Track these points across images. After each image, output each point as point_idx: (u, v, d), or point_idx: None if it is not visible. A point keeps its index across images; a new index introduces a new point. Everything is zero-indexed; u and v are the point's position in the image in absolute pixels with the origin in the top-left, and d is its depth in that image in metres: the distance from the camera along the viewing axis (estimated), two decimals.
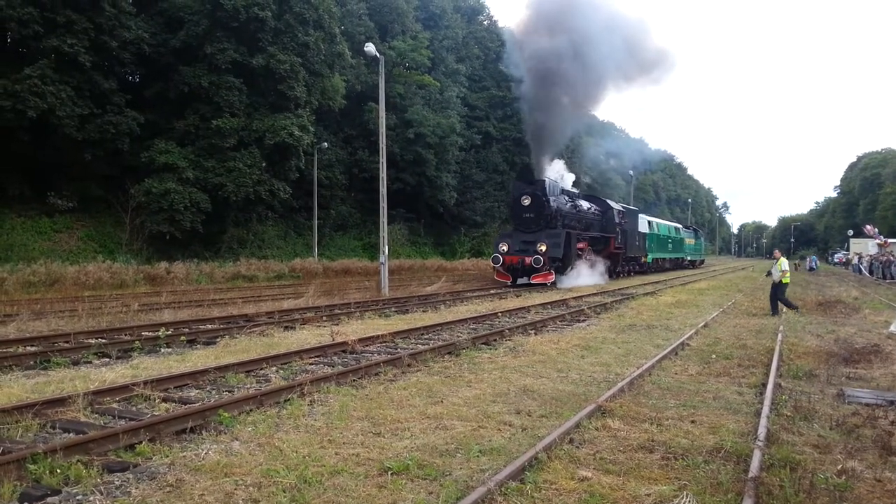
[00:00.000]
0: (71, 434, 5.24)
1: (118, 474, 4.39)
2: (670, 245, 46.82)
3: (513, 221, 26.28)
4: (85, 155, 26.78)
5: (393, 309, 14.76)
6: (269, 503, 4.00)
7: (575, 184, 41.19)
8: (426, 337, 10.91)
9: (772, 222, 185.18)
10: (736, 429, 5.79)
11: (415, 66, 43.47)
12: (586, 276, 27.06)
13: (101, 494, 4.05)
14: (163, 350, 9.06)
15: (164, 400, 6.41)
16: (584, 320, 13.88)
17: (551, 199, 25.24)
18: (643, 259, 38.14)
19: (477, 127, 49.72)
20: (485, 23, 55.91)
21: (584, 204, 30.04)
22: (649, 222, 40.95)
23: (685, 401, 6.78)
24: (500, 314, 14.14)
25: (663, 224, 47.28)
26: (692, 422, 5.98)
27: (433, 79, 44.29)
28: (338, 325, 11.72)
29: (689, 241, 55.04)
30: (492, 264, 25.25)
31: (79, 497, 4.02)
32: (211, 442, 5.15)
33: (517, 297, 20.46)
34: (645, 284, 27.55)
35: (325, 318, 12.68)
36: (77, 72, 25.24)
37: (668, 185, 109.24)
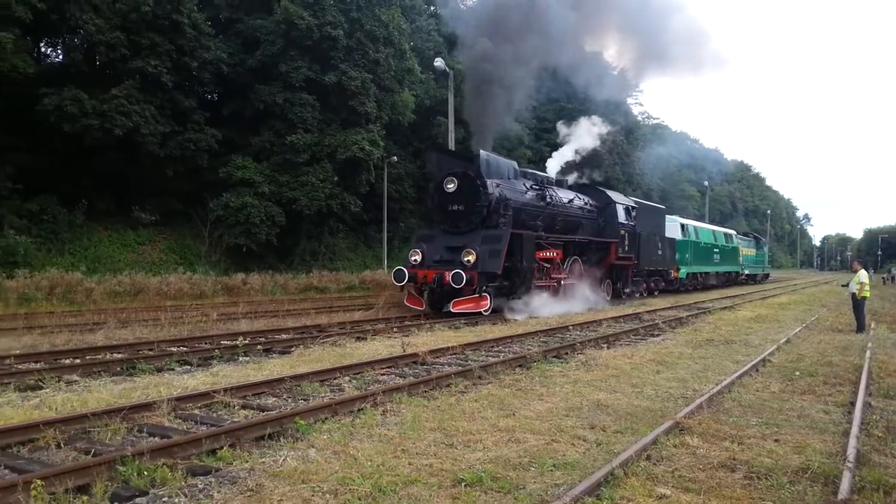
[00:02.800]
0: (156, 438, 5.45)
1: (201, 478, 4.53)
2: (717, 255, 37.11)
3: (435, 216, 17.17)
4: (167, 171, 27.95)
5: (462, 321, 14.77)
6: None
7: (645, 196, 39.51)
8: (496, 349, 10.86)
9: (857, 234, 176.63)
10: (823, 449, 5.53)
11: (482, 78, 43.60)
12: (561, 298, 18.84)
13: (186, 497, 4.18)
14: (241, 359, 9.33)
15: (243, 407, 6.59)
16: (658, 335, 13.55)
17: (490, 183, 16.60)
18: (673, 273, 29.25)
19: (545, 139, 49.46)
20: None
21: (565, 195, 20.72)
22: (684, 226, 32.39)
23: (768, 419, 6.52)
24: (570, 327, 13.96)
25: (706, 228, 37.31)
26: (776, 440, 5.75)
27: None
28: (408, 336, 11.81)
29: (748, 251, 46.24)
30: (394, 282, 16.42)
31: (164, 499, 4.17)
32: (288, 448, 5.26)
33: (592, 313, 20.07)
34: (722, 298, 26.61)
35: (395, 330, 12.80)
36: (160, 91, 26.43)
37: (746, 196, 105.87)
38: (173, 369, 8.61)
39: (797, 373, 9.06)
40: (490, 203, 16.32)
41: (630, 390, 7.77)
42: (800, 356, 10.61)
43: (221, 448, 5.08)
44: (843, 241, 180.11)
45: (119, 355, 9.42)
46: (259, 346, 10.40)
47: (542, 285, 18.09)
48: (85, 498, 4.13)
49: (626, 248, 23.06)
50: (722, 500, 4.39)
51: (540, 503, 4.20)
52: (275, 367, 8.84)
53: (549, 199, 19.01)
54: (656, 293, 27.77)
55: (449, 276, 15.09)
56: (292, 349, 10.35)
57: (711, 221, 54.15)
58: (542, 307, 17.31)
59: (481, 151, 17.03)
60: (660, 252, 26.93)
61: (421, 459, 5.05)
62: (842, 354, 10.85)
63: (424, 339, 11.55)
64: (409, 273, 16.03)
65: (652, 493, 4.45)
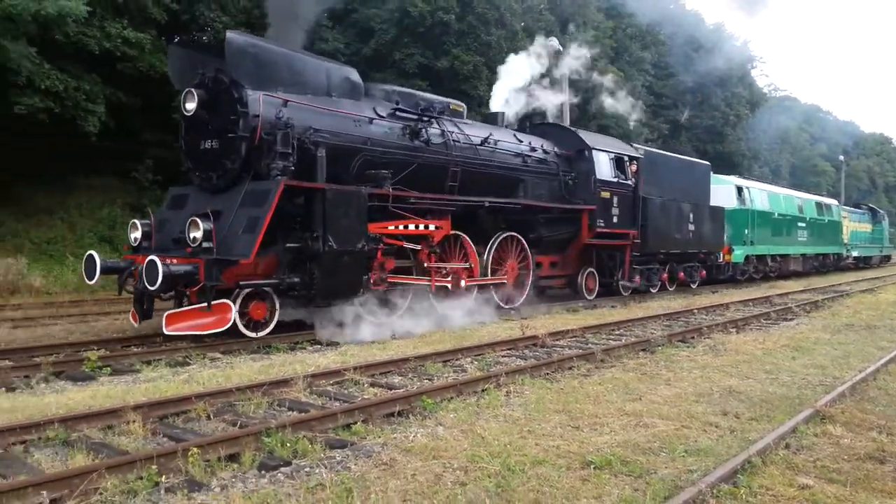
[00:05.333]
0: (295, 412, 5.77)
1: (338, 451, 4.77)
2: (803, 231, 26.82)
3: (185, 160, 10.09)
4: None
5: (580, 304, 14.59)
6: (476, 487, 4.14)
7: (773, 174, 36.14)
8: (617, 333, 10.67)
9: None
10: None
11: (597, 57, 42.59)
12: (457, 304, 11.45)
13: (326, 468, 4.41)
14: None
15: (372, 385, 6.86)
16: (791, 319, 12.84)
17: (257, 97, 9.13)
18: (723, 257, 20.76)
19: (664, 116, 47.69)
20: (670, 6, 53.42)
21: (477, 132, 12.67)
22: (742, 189, 22.78)
23: None
24: (695, 311, 13.47)
25: (785, 195, 26.99)
26: None
27: (616, 69, 43.13)
28: (526, 318, 11.81)
29: (858, 226, 35.23)
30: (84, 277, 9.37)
31: (307, 469, 4.42)
32: (417, 426, 5.43)
33: (709, 294, 19.17)
34: (859, 281, 24.67)
35: (512, 312, 12.83)
36: None
37: (886, 171, 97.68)
38: (305, 348, 9.06)
39: None
40: (256, 132, 8.98)
41: (763, 376, 7.44)
42: None
43: (355, 423, 5.31)
44: None
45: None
46: None
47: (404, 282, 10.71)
48: (235, 466, 4.45)
49: (616, 220, 15.08)
50: (871, 493, 4.14)
51: (673, 488, 4.12)
52: (399, 347, 9.11)
53: (424, 137, 11.19)
54: (694, 284, 19.47)
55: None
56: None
57: (847, 200, 50.02)
58: (392, 325, 10.29)
59: (239, 37, 9.42)
60: (691, 226, 17.98)
61: (547, 441, 5.07)
62: None
63: (543, 322, 11.52)
64: (122, 262, 9.36)
65: (793, 482, 4.26)
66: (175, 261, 8.30)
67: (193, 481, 4.13)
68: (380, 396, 6.19)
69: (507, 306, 12.70)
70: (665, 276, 17.78)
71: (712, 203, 19.72)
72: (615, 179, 15.29)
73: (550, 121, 17.19)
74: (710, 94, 48.46)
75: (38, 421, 5.06)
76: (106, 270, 9.13)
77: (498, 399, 6.24)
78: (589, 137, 15.44)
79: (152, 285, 8.07)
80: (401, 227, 10.55)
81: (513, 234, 12.99)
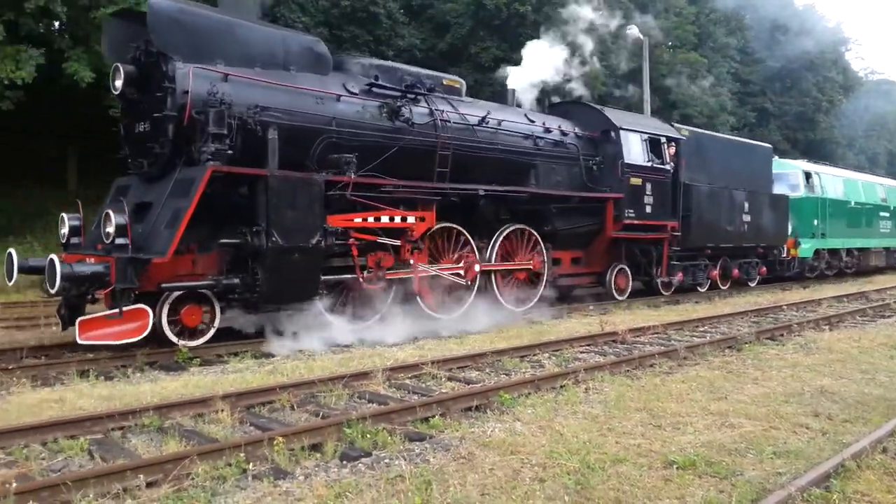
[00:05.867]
0: (375, 405, 5.88)
1: (417, 443, 4.82)
2: (886, 222, 24.14)
3: (123, 146, 8.88)
4: None
5: (662, 300, 14.22)
6: (555, 484, 4.11)
7: (870, 161, 33.67)
8: (701, 329, 10.35)
9: None
10: None
11: (679, 43, 41.32)
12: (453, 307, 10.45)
13: (405, 460, 4.47)
14: (443, 333, 9.74)
15: (449, 379, 6.91)
16: (890, 316, 12.14)
17: (187, 70, 7.95)
18: (787, 251, 18.50)
19: (751, 103, 45.82)
20: None
21: (475, 112, 11.06)
22: (810, 175, 20.30)
23: None
24: (785, 307, 12.93)
25: (861, 180, 24.16)
26: None
27: (700, 55, 41.72)
28: (605, 314, 11.62)
29: None
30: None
31: (386, 460, 4.49)
32: (495, 421, 5.43)
33: (800, 289, 18.37)
34: None
35: (591, 308, 12.65)
36: None
37: None
38: (383, 342, 9.19)
39: None
40: (184, 111, 7.90)
41: (859, 376, 7.07)
42: None
43: (433, 417, 5.36)
44: None
45: None
46: None
47: (378, 285, 9.36)
48: (318, 455, 4.57)
49: (649, 210, 13.28)
50: None
51: (761, 491, 3.97)
52: (475, 341, 9.13)
53: (406, 116, 9.84)
54: (752, 282, 17.63)
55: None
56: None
57: None
58: (361, 332, 9.15)
59: (164, 2, 8.08)
60: (746, 216, 16.11)
61: (628, 439, 4.98)
62: None
63: (623, 318, 11.31)
64: (15, 268, 7.99)
65: (891, 489, 4.05)
66: (93, 259, 7.40)
67: (279, 469, 4.27)
68: (457, 391, 6.23)
69: (517, 309, 11.28)
70: (715, 272, 15.91)
71: (775, 191, 18.12)
72: (648, 164, 13.30)
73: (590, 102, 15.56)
74: (800, 79, 46.19)
75: (134, 408, 5.34)
76: (26, 270, 7.95)
77: (576, 395, 6.17)
78: (617, 116, 13.60)
79: (52, 287, 7.09)
80: (370, 220, 9.21)
81: (523, 226, 11.59)
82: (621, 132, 13.04)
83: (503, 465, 4.39)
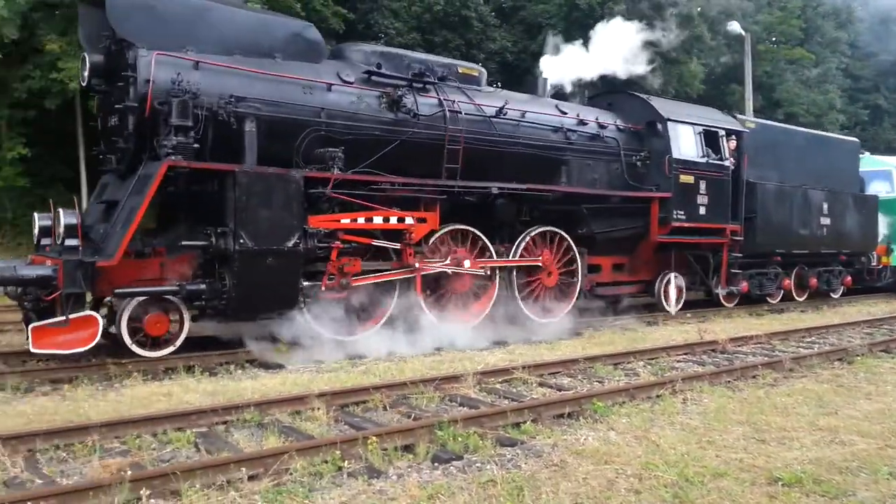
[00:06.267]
0: (465, 408, 5.89)
1: (508, 448, 4.80)
2: None
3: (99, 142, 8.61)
4: None
5: (765, 308, 13.57)
6: (652, 496, 3.99)
7: None
8: (808, 340, 9.82)
9: None
10: None
11: (784, 39, 39.41)
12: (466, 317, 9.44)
13: (496, 465, 4.46)
14: (533, 338, 9.65)
15: (541, 384, 6.84)
16: None
17: (149, 58, 7.33)
18: (877, 259, 16.27)
19: (863, 101, 43.15)
20: None
21: (490, 102, 9.92)
22: None
23: None
24: None
25: None
26: None
27: (806, 51, 39.66)
28: (704, 322, 11.21)
29: None
30: None
31: (478, 464, 4.49)
32: (587, 429, 5.33)
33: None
34: None
35: (688, 315, 12.22)
36: None
37: None
38: (477, 345, 9.15)
39: None
40: (146, 101, 7.35)
41: None
42: None
43: (524, 422, 5.31)
44: None
45: None
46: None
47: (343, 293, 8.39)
48: (410, 456, 4.62)
49: (703, 211, 11.81)
50: None
51: None
52: (567, 347, 9.01)
53: (409, 107, 8.99)
54: (835, 293, 15.64)
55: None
56: (583, 331, 10.43)
57: None
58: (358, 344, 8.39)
59: None
60: (825, 219, 14.33)
61: (729, 453, 4.78)
62: None
63: (723, 326, 10.87)
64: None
65: None
66: (49, 262, 6.91)
67: (373, 468, 4.35)
68: (549, 397, 6.16)
69: (541, 320, 10.14)
70: (788, 282, 14.09)
71: (865, 191, 16.05)
72: (702, 159, 11.83)
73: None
74: None
75: (236, 403, 5.56)
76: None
77: (674, 406, 5.98)
78: (664, 106, 12.14)
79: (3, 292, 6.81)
80: (360, 221, 8.46)
81: (552, 229, 10.44)
82: (669, 124, 11.55)
83: (597, 475, 4.30)
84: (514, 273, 9.95)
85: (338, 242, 8.16)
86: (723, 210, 12.17)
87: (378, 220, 8.58)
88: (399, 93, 8.91)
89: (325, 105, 8.38)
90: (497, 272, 9.77)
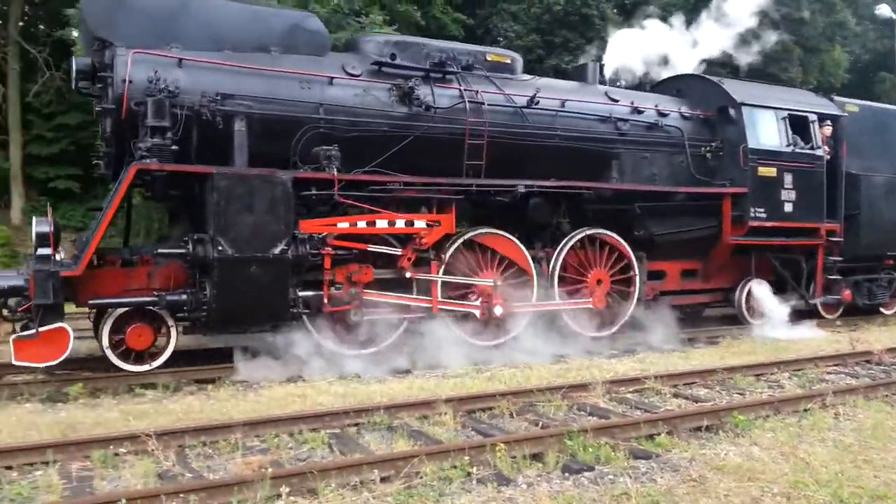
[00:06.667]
0: (595, 418, 5.72)
1: (643, 461, 4.60)
2: None
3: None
4: None
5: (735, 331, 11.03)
6: None
7: None
8: None
9: None
10: None
11: None
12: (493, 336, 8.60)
13: (630, 478, 4.29)
14: (664, 347, 9.26)
15: (675, 395, 6.54)
16: None
17: (126, 57, 6.97)
18: None
19: None
20: None
21: (530, 91, 9.03)
22: None
23: None
24: None
25: None
26: None
27: None
28: (856, 331, 10.33)
29: None
30: None
31: (610, 476, 4.33)
32: (728, 443, 5.03)
33: None
34: None
35: (838, 323, 11.31)
36: None
37: None
38: (601, 353, 8.93)
39: None
40: (123, 104, 6.95)
41: None
42: None
43: (659, 434, 5.10)
44: None
45: None
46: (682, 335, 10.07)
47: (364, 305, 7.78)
48: (539, 465, 4.53)
49: (790, 208, 10.31)
50: None
51: None
52: (702, 356, 8.58)
53: (423, 99, 8.22)
54: None
55: None
56: (719, 339, 9.89)
57: None
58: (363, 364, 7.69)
59: None
60: None
61: (889, 473, 4.38)
62: None
63: (877, 336, 9.97)
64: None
65: None
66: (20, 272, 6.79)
67: (502, 476, 4.30)
68: (685, 408, 5.90)
69: (591, 333, 9.10)
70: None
71: None
72: (787, 149, 10.30)
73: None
74: None
75: (366, 406, 5.70)
76: None
77: (824, 421, 5.53)
78: (739, 89, 10.68)
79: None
80: (362, 225, 7.76)
81: (601, 231, 9.37)
82: (744, 109, 10.15)
83: (740, 492, 4.04)
84: (556, 278, 9.01)
85: (328, 248, 7.45)
86: (815, 206, 10.57)
87: (382, 223, 7.86)
88: (410, 84, 8.14)
89: (325, 100, 7.81)
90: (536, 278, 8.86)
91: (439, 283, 8.28)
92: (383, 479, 4.16)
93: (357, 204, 7.71)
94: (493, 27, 26.59)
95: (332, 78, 7.92)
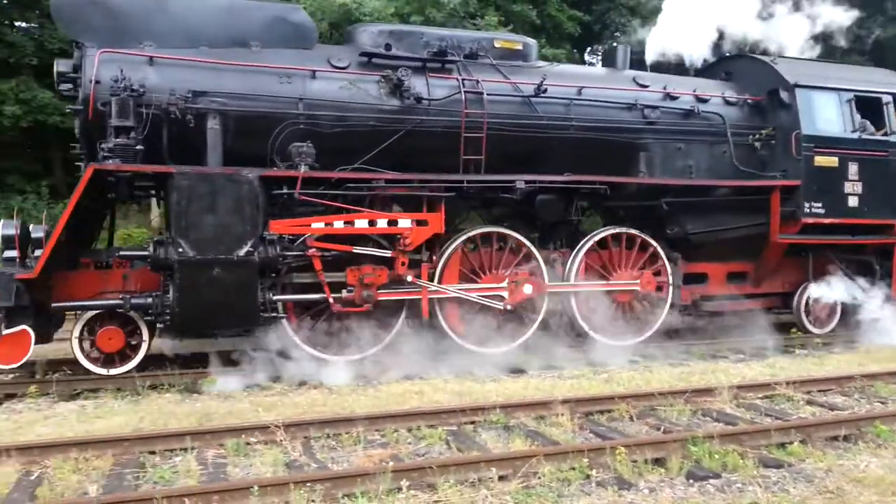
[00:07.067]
0: (721, 424, 5.48)
1: (773, 470, 4.39)
2: None
3: None
4: None
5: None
6: None
7: None
8: None
9: None
10: None
11: None
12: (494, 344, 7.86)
13: (760, 487, 4.09)
14: (797, 351, 8.72)
15: (808, 402, 6.17)
16: None
17: (93, 57, 6.78)
18: None
19: None
20: None
21: (527, 78, 8.28)
22: None
23: None
24: None
25: None
26: None
27: None
28: None
29: None
30: None
31: (738, 485, 4.16)
32: (868, 454, 4.72)
33: None
34: None
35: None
36: None
37: None
38: (726, 357, 8.53)
39: None
40: (90, 104, 6.78)
41: None
42: None
43: (791, 443, 4.83)
44: None
45: None
46: (817, 340, 9.37)
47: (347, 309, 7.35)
48: (661, 471, 4.41)
49: (854, 202, 9.15)
50: None
51: None
52: (838, 362, 8.04)
53: (414, 92, 7.67)
54: None
55: None
56: (856, 345, 9.22)
57: None
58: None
59: None
60: None
61: None
62: None
63: None
64: None
65: None
66: None
67: (622, 479, 4.21)
68: (820, 417, 5.56)
69: (614, 342, 8.28)
70: None
71: None
72: (852, 135, 9.14)
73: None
74: None
75: (482, 405, 5.74)
76: None
77: None
78: (793, 68, 9.41)
79: None
80: (338, 225, 7.25)
81: (626, 230, 8.55)
82: (797, 91, 9.01)
83: None
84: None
85: (313, 251, 7.08)
86: (889, 201, 9.37)
87: (362, 223, 7.37)
88: (399, 75, 7.62)
89: (306, 95, 7.43)
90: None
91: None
92: (501, 478, 4.18)
93: (328, 203, 7.22)
94: (611, 22, 26.02)
95: (315, 71, 7.56)
